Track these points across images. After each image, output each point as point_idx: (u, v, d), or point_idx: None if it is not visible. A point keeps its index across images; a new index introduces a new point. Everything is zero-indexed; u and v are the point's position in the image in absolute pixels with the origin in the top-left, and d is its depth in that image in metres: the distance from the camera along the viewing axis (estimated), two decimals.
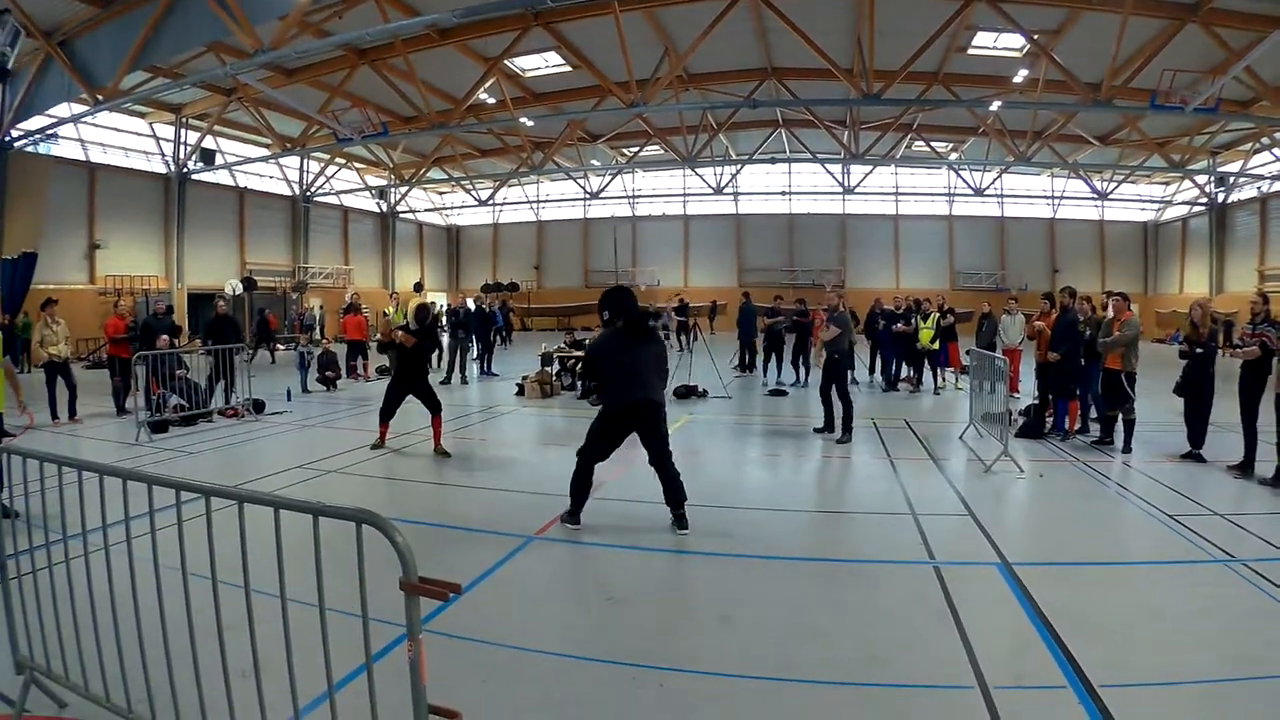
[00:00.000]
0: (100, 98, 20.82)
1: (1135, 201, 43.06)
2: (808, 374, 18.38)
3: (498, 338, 26.68)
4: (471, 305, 22.00)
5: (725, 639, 4.86)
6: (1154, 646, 4.70)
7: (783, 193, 43.90)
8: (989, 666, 4.36)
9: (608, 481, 8.97)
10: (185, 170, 31.48)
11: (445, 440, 10.77)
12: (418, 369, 10.86)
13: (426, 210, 49.75)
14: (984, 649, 4.59)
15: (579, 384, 17.00)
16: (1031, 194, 44.44)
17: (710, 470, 9.83)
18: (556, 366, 17.83)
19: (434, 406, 10.75)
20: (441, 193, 49.66)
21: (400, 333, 10.76)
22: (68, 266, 27.46)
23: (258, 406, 14.15)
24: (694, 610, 5.42)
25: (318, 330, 32.99)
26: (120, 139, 30.44)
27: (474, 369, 21.06)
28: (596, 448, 7.20)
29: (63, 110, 22.83)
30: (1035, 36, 21.08)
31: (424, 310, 11.53)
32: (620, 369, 7.08)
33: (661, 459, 7.10)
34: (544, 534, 6.97)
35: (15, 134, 22.61)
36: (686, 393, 16.11)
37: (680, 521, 7.00)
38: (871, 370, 19.09)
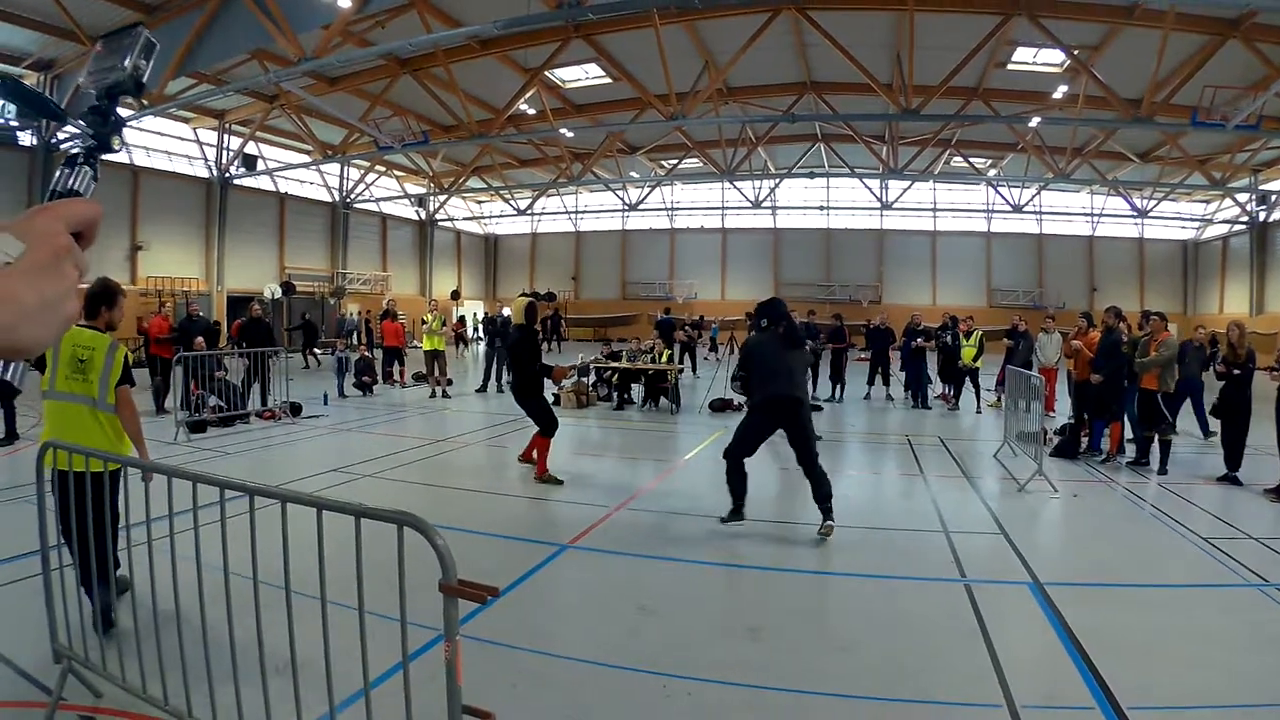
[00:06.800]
0: (145, 102, 21.24)
1: (1175, 220, 42.30)
2: (844, 389, 18.30)
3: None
4: (507, 313, 22.00)
5: (754, 650, 4.88)
6: (1183, 669, 4.65)
7: (821, 207, 43.72)
8: (1017, 685, 4.34)
9: (643, 492, 9.03)
10: (227, 175, 32.07)
11: (482, 448, 10.75)
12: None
13: (465, 219, 49.88)
14: (1013, 667, 4.57)
15: (614, 394, 17.05)
16: (1070, 211, 43.84)
17: None
18: (593, 377, 17.86)
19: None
20: (480, 202, 49.92)
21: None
22: (110, 267, 27.80)
23: (295, 409, 14.34)
24: (724, 621, 5.43)
25: (356, 336, 33.09)
26: (164, 143, 30.98)
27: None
28: (744, 444, 7.69)
29: None
30: (1075, 52, 20.91)
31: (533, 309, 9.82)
32: (772, 366, 7.55)
33: (808, 457, 7.44)
34: (578, 543, 7.03)
35: (61, 136, 23.09)
36: (722, 406, 16.11)
37: (828, 514, 7.31)
38: (907, 389, 18.98)
